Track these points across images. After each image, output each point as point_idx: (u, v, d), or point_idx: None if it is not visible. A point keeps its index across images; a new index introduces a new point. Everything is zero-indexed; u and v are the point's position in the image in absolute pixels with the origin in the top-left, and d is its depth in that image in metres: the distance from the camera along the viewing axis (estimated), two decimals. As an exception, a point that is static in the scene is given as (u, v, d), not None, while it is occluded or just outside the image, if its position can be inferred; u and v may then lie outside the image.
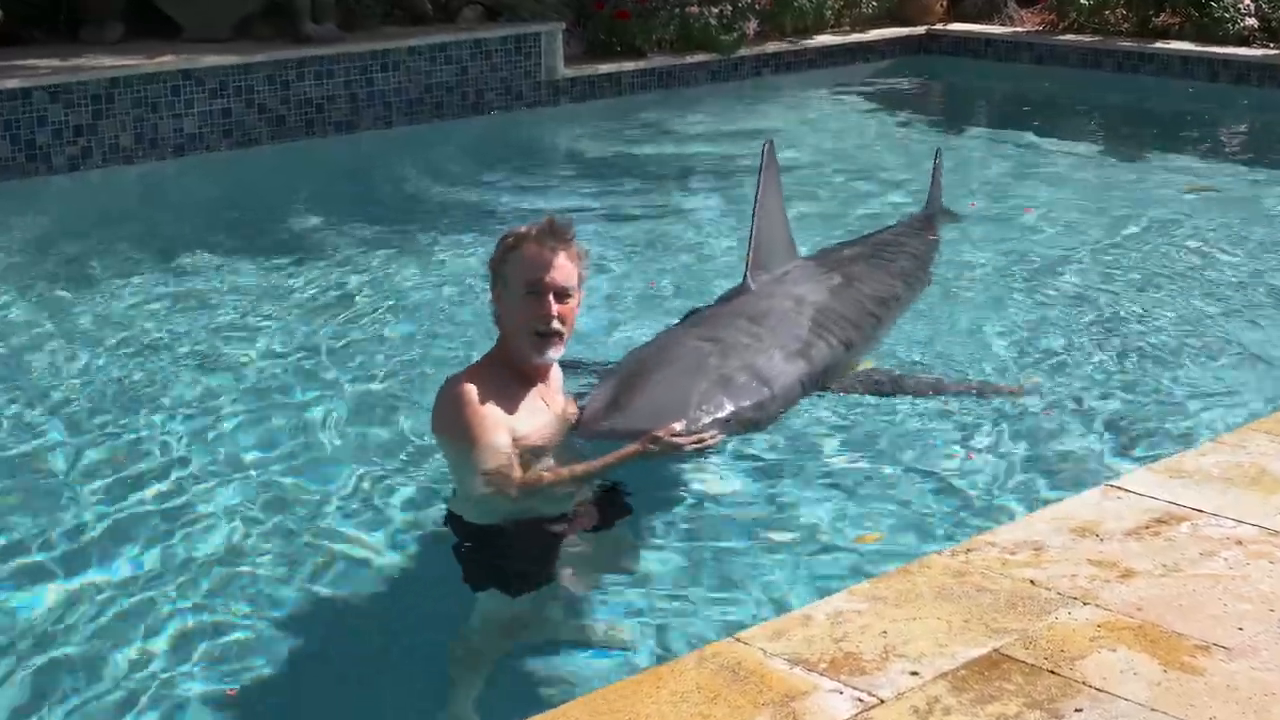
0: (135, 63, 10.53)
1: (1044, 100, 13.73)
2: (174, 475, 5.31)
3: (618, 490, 4.33)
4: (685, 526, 4.89)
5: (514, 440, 3.94)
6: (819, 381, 5.27)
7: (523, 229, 4.11)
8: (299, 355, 6.56)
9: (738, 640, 3.22)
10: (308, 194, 10.08)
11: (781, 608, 4.23)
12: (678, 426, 4.16)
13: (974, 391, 5.67)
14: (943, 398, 5.61)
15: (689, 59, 13.55)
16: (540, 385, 4.13)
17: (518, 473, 3.90)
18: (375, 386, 6.16)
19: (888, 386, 5.54)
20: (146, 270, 7.95)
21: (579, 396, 4.62)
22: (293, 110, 11.14)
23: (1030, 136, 11.81)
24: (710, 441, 4.22)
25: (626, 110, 12.73)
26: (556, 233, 4.05)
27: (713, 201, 9.60)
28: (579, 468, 4.04)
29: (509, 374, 4.05)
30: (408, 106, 11.75)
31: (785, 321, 5.36)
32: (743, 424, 4.77)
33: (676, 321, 5.84)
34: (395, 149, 11.18)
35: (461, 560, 4.09)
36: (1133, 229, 8.71)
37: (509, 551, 3.99)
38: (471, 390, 3.91)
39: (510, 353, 4.08)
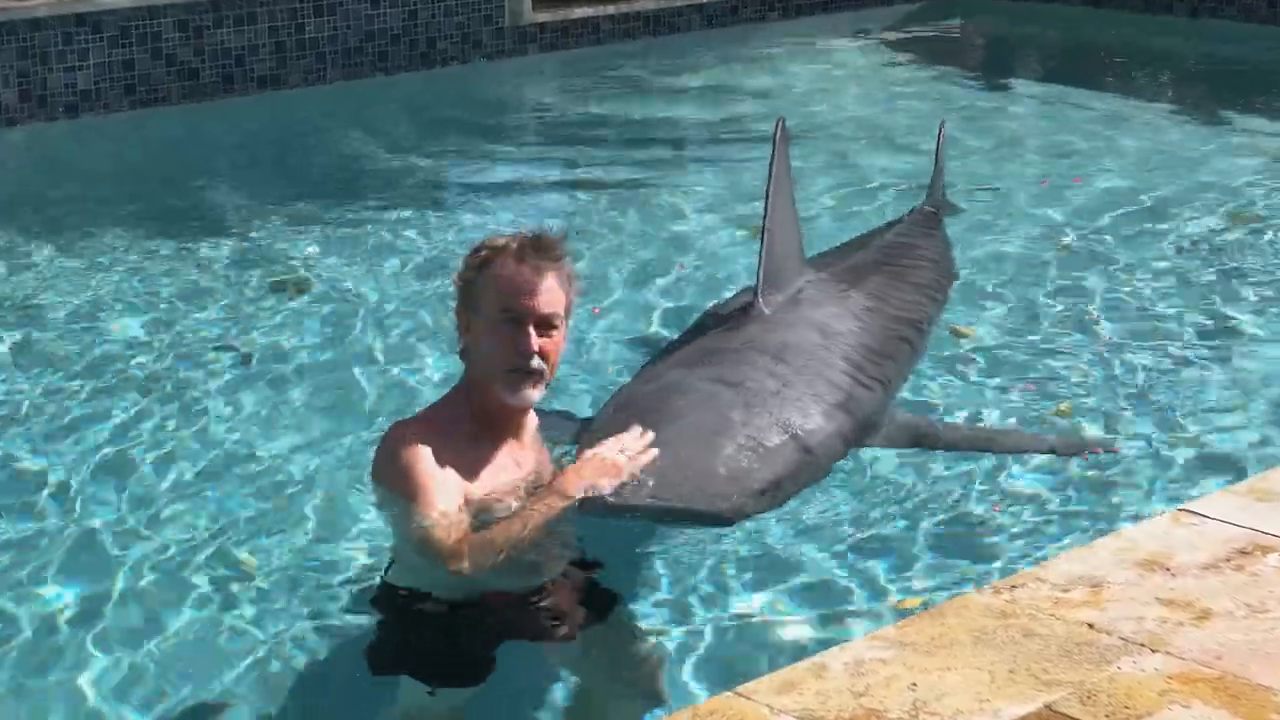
0: (19, 4, 10.49)
1: (1102, 51, 13.75)
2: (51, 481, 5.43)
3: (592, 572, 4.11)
4: (677, 556, 4.88)
5: (470, 504, 3.76)
6: (859, 436, 5.15)
7: (501, 240, 3.90)
8: (211, 351, 6.55)
9: (739, 694, 3.21)
10: (225, 162, 10.06)
11: (791, 655, 4.22)
12: None
13: (1047, 450, 5.51)
14: (1008, 456, 5.48)
15: (679, 1, 13.55)
16: (511, 440, 3.94)
17: (457, 535, 3.68)
18: (297, 394, 6.16)
19: (941, 441, 5.44)
20: (30, 250, 7.92)
21: (563, 454, 4.41)
22: (207, 62, 11.11)
23: (1083, 95, 11.82)
24: None
25: (605, 62, 12.72)
26: (544, 248, 3.86)
27: (706, 171, 9.60)
28: (531, 517, 3.75)
29: (472, 424, 3.87)
30: (345, 57, 11.73)
31: (815, 361, 5.21)
32: (774, 497, 4.64)
33: (666, 346, 5.67)
34: (330, 108, 11.16)
35: (376, 638, 3.96)
36: (1205, 208, 8.71)
37: (440, 634, 3.85)
38: (420, 444, 3.73)
39: (476, 394, 3.88)
